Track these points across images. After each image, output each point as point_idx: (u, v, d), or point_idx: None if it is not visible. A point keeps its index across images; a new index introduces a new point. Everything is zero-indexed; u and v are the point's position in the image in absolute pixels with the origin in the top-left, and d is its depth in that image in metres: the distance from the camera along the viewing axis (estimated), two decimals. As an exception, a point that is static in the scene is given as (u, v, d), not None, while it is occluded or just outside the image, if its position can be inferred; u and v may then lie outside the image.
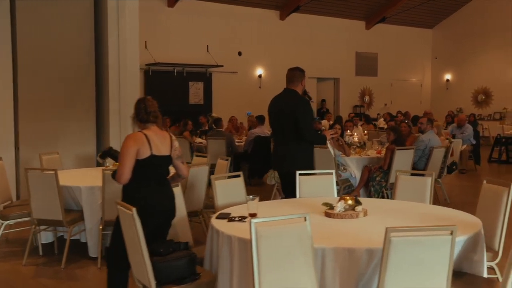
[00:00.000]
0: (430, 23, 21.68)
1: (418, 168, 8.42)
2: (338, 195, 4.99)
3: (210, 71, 16.50)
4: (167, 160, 4.09)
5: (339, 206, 3.98)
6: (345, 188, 8.69)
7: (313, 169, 5.69)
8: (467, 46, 21.16)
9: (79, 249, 5.92)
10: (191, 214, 5.61)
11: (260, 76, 17.78)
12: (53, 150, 8.75)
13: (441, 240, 2.98)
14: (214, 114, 12.88)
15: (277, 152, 5.86)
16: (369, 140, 10.53)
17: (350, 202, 4.01)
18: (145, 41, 15.14)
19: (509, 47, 19.78)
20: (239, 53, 17.25)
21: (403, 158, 8.04)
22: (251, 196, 4.01)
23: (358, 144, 9.24)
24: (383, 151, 8.34)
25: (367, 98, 20.76)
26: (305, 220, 3.14)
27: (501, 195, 4.18)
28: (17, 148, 8.62)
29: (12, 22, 8.47)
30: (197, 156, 7.37)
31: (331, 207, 4.03)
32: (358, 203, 4.05)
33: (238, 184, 5.06)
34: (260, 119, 11.26)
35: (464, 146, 11.66)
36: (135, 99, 9.39)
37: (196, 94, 16.27)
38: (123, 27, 9.37)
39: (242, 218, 3.91)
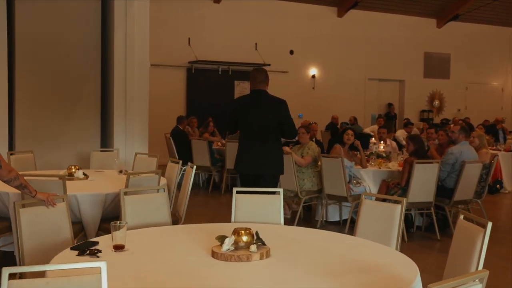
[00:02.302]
0: (510, 21, 19.51)
1: (447, 186, 7.07)
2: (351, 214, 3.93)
3: (258, 70, 15.56)
4: None
5: (226, 243, 2.94)
6: (358, 206, 7.48)
7: (278, 174, 5.68)
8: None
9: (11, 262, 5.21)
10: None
11: (313, 76, 16.63)
12: (53, 148, 8.32)
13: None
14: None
15: (248, 153, 5.56)
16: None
17: (245, 238, 2.96)
18: (189, 38, 14.55)
19: None
20: (291, 52, 16.20)
21: (424, 173, 6.75)
22: (118, 222, 3.08)
23: (384, 155, 8.00)
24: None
25: (437, 102, 19.00)
26: (101, 271, 2.16)
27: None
28: (12, 145, 8.19)
29: (10, 17, 8.05)
30: (172, 161, 6.48)
31: (223, 241, 3.00)
32: (257, 239, 3.00)
33: (159, 200, 4.13)
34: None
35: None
36: (144, 97, 8.97)
37: (242, 94, 15.38)
38: (130, 23, 8.71)
39: (97, 251, 2.97)
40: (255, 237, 3.00)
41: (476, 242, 3.15)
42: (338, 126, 14.39)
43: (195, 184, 10.28)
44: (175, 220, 5.19)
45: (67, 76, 8.50)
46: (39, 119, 8.24)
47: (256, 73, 5.67)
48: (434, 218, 6.98)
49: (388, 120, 16.44)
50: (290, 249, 3.20)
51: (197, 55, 14.34)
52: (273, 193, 4.16)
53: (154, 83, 14.04)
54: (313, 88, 16.64)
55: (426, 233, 7.18)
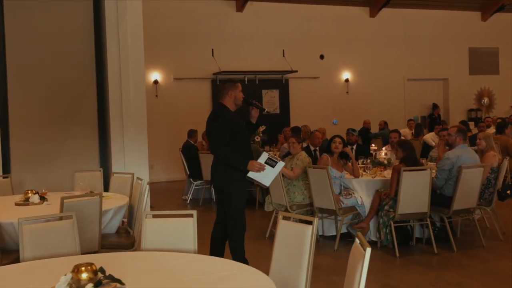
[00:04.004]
0: None
1: (445, 194, 6.43)
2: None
3: (286, 78, 15.16)
4: None
5: (62, 281, 2.62)
6: (352, 219, 6.98)
7: (231, 190, 5.19)
8: None
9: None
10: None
11: (347, 80, 16.02)
12: (51, 170, 8.29)
13: None
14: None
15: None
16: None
17: (84, 275, 2.63)
18: (212, 49, 14.36)
19: None
20: (321, 56, 15.68)
21: (415, 182, 6.16)
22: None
23: (385, 162, 7.43)
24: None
25: (486, 100, 17.86)
26: None
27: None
28: (8, 169, 8.20)
29: (0, 42, 8.10)
30: (138, 179, 6.21)
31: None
32: (102, 275, 2.66)
33: (64, 229, 3.85)
34: (293, 131, 9.79)
35: None
36: (141, 112, 8.80)
37: (270, 103, 15.05)
38: (124, 35, 8.54)
39: None
40: (100, 274, 2.66)
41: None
42: (371, 131, 13.78)
43: (210, 200, 10.07)
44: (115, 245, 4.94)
45: (62, 97, 8.44)
46: (35, 142, 8.21)
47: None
48: (431, 230, 6.37)
49: (432, 122, 15.58)
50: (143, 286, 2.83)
51: (221, 65, 14.12)
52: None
53: (178, 96, 14.04)
54: (347, 92, 16.04)
55: (428, 246, 6.55)
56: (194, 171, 10.10)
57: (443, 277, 5.59)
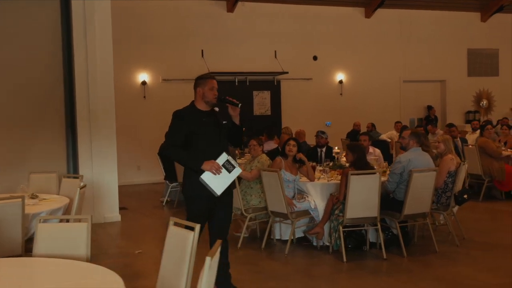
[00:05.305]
0: None
1: (397, 198, 6.31)
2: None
3: (278, 79, 15.06)
4: None
5: None
6: (309, 222, 6.88)
7: (193, 200, 4.75)
8: None
9: None
10: None
11: (341, 82, 15.85)
12: (13, 172, 8.31)
13: None
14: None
15: None
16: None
17: None
18: (202, 50, 14.31)
19: None
20: (314, 58, 15.53)
21: (364, 186, 6.04)
22: None
23: (347, 165, 7.29)
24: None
25: (485, 102, 17.54)
26: None
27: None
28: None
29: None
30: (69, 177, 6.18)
31: None
32: None
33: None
34: (267, 133, 9.70)
35: None
36: (110, 114, 8.77)
37: (262, 104, 14.97)
38: (91, 36, 8.57)
39: None
40: None
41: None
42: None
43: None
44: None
45: (28, 99, 8.48)
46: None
47: None
48: (381, 234, 6.25)
49: (428, 123, 15.35)
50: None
51: (212, 66, 14.06)
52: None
53: (166, 98, 13.99)
54: (341, 94, 15.87)
55: (380, 252, 6.39)
56: (170, 173, 10.06)
57: (384, 282, 5.48)
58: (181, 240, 3.30)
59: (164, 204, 10.27)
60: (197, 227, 3.28)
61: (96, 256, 6.62)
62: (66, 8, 8.58)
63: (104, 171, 8.63)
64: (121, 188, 12.51)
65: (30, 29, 8.44)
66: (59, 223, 3.73)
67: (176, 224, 3.49)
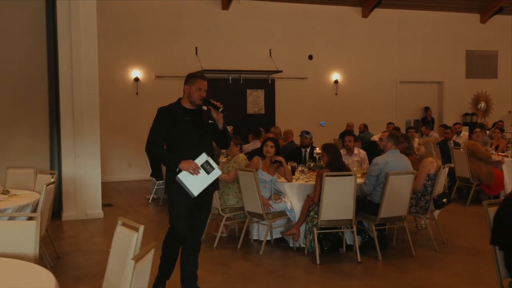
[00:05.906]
0: None
1: (374, 201, 6.22)
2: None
3: (273, 78, 14.97)
4: None
5: None
6: (286, 223, 6.80)
7: (175, 198, 4.66)
8: None
9: None
10: None
11: (336, 81, 15.75)
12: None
13: None
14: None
15: None
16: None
17: None
18: (196, 47, 14.24)
19: None
20: (310, 57, 15.44)
21: (339, 188, 5.96)
22: None
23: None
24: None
25: (482, 104, 17.41)
26: None
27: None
28: None
29: None
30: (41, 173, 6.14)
31: None
32: None
33: None
34: (254, 133, 9.63)
35: None
36: (94, 111, 8.72)
37: (255, 103, 14.89)
38: (76, 34, 8.51)
39: None
40: None
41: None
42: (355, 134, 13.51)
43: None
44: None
45: (11, 95, 8.45)
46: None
47: None
48: (356, 237, 6.16)
49: (424, 125, 15.23)
50: None
51: (205, 64, 13.99)
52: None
53: (159, 95, 13.92)
54: (336, 94, 15.77)
55: (356, 254, 6.30)
56: (156, 171, 10.00)
57: (353, 287, 5.40)
58: (126, 240, 3.24)
59: (150, 201, 10.22)
60: (141, 227, 3.21)
61: (70, 253, 6.62)
62: (52, 4, 8.54)
63: (87, 168, 8.58)
64: (111, 184, 12.56)
65: (14, 24, 8.41)
66: (8, 221, 3.67)
67: (124, 224, 3.43)
